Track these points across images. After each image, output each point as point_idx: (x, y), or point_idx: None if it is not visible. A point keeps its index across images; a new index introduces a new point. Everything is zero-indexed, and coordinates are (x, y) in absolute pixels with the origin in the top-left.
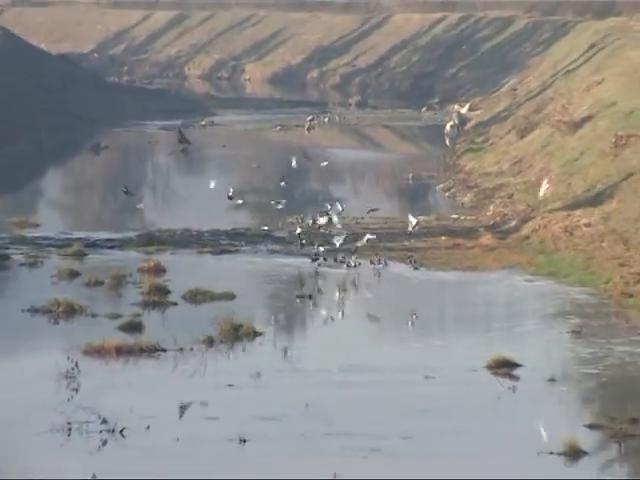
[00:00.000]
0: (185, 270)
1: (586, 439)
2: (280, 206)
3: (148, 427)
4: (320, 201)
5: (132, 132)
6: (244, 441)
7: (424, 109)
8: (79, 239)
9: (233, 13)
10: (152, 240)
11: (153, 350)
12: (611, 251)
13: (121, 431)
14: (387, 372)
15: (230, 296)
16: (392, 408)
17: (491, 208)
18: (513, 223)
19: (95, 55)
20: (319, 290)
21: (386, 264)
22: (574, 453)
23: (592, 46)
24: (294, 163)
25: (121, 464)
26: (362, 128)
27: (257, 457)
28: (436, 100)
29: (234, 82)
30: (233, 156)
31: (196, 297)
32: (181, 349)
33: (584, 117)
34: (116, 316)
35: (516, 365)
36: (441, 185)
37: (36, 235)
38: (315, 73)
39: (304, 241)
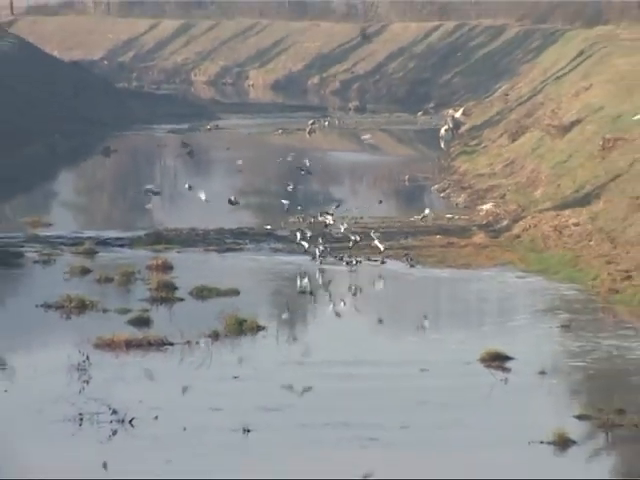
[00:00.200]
0: (191, 267)
1: (575, 429)
2: (286, 206)
3: (156, 417)
4: (321, 201)
5: (141, 136)
6: (248, 431)
7: (420, 113)
8: (90, 238)
9: (237, 22)
10: (160, 239)
11: (161, 344)
12: (599, 249)
13: (130, 421)
14: (385, 365)
15: (235, 292)
16: (389, 400)
17: (484, 208)
18: (505, 222)
19: (105, 62)
20: (320, 286)
21: (384, 262)
22: (563, 442)
23: (580, 53)
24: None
25: (130, 452)
26: (361, 132)
27: (260, 446)
28: (431, 105)
29: (238, 88)
30: (237, 158)
31: (202, 293)
32: (188, 343)
33: (573, 121)
34: (125, 311)
35: (508, 358)
36: (436, 186)
37: (49, 234)
38: (316, 79)
39: (308, 244)
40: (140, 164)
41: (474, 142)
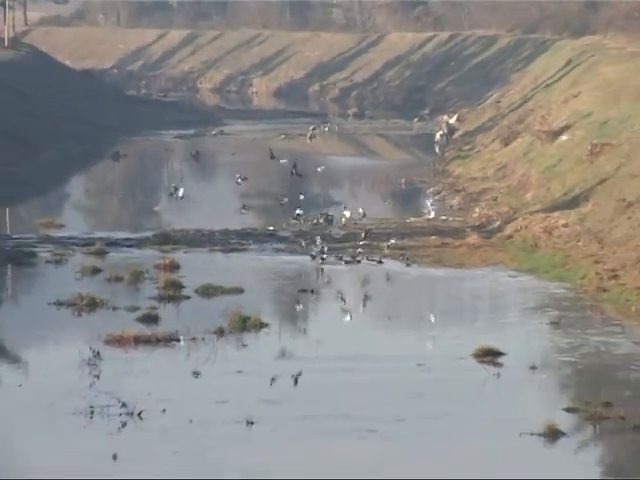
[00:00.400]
0: (198, 267)
1: (564, 421)
2: (299, 211)
3: (164, 410)
4: (321, 203)
5: (149, 141)
6: (251, 423)
7: (416, 120)
8: (101, 238)
9: (241, 33)
10: (167, 239)
11: (168, 340)
12: (587, 249)
13: (139, 414)
14: (382, 360)
15: (239, 291)
16: (387, 393)
17: (477, 210)
18: (497, 224)
19: (115, 71)
20: (320, 285)
21: (381, 262)
22: (553, 434)
23: (569, 62)
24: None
25: (139, 444)
26: (359, 137)
27: (263, 438)
28: (427, 111)
29: (242, 95)
30: (241, 162)
31: (208, 291)
32: (194, 339)
33: (562, 127)
34: (134, 309)
35: (500, 354)
36: (431, 189)
37: (61, 235)
38: (316, 87)
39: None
40: (148, 168)
41: (467, 147)
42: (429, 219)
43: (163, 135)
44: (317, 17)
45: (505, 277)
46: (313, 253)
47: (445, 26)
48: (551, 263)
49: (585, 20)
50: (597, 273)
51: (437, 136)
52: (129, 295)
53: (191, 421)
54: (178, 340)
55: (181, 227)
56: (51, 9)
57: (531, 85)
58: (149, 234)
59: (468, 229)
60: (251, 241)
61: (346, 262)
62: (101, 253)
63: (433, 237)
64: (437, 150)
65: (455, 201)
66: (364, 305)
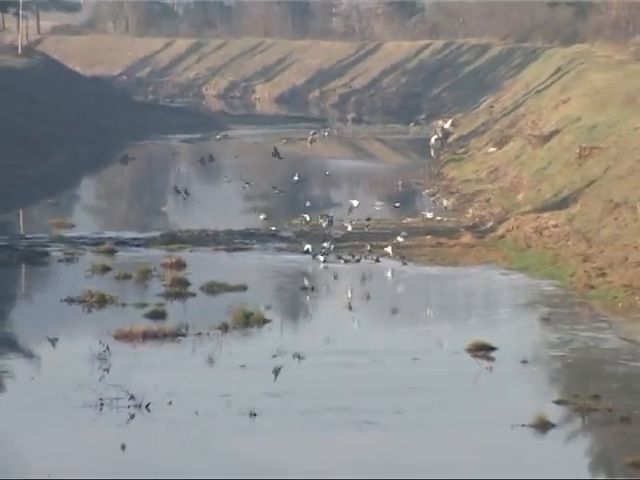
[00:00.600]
0: (203, 265)
1: (554, 413)
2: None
3: (170, 402)
4: (321, 205)
5: (156, 145)
6: (254, 415)
7: (412, 124)
8: (110, 238)
9: (244, 41)
10: (174, 239)
11: (175, 335)
12: (575, 248)
13: (147, 406)
14: (380, 354)
15: (242, 288)
16: (384, 386)
17: (470, 211)
18: (490, 224)
19: (124, 77)
20: (321, 283)
21: (378, 260)
22: (543, 425)
23: (559, 69)
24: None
25: (147, 435)
26: (358, 141)
27: (266, 429)
28: (422, 116)
29: (245, 101)
30: (244, 165)
31: (212, 289)
32: (199, 334)
33: (552, 131)
34: (142, 305)
35: (492, 348)
36: (427, 191)
37: (72, 235)
38: (316, 93)
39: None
40: (155, 171)
41: (461, 150)
42: (425, 219)
43: (170, 139)
44: (317, 26)
45: (497, 275)
46: (313, 252)
47: (440, 35)
48: (541, 262)
49: (574, 29)
50: (585, 271)
51: (432, 140)
52: (137, 292)
53: (197, 413)
54: (184, 335)
55: (187, 227)
56: (63, 18)
57: (522, 91)
58: (156, 234)
59: (462, 229)
60: (254, 241)
61: (345, 261)
62: (110, 252)
63: (428, 237)
64: (432, 153)
65: (449, 202)
66: (362, 302)
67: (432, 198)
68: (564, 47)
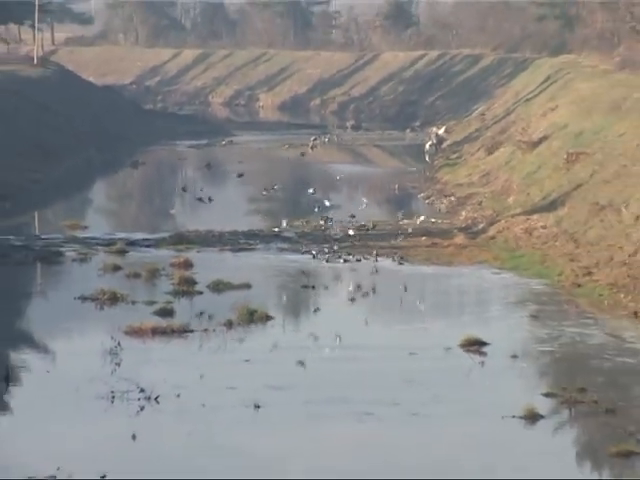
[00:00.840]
0: (209, 265)
1: (543, 405)
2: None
3: (178, 395)
4: (321, 207)
5: (165, 150)
6: (258, 407)
7: (408, 131)
8: (121, 239)
9: (248, 52)
10: (182, 240)
11: (182, 331)
12: (563, 249)
13: (156, 398)
14: (378, 349)
15: (246, 286)
16: (382, 379)
17: (463, 213)
18: (482, 226)
19: (134, 86)
20: (321, 281)
21: (376, 260)
22: (532, 417)
23: (547, 79)
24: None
25: (156, 426)
26: (356, 147)
27: (269, 420)
28: (418, 123)
29: (250, 108)
30: (247, 169)
31: (218, 287)
32: (206, 330)
33: (541, 137)
34: (152, 303)
35: (484, 344)
36: (422, 194)
37: (85, 235)
38: (317, 101)
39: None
40: (164, 175)
41: (455, 156)
42: (421, 221)
43: (177, 145)
44: (318, 37)
45: (489, 274)
46: (313, 252)
47: (435, 46)
48: (531, 261)
49: (562, 41)
50: (573, 270)
51: (427, 146)
52: (147, 290)
53: (203, 405)
54: (191, 331)
55: (194, 228)
56: (76, 30)
57: (513, 99)
58: (165, 235)
59: (455, 230)
60: (258, 241)
61: (345, 260)
62: (121, 252)
63: (423, 238)
64: (427, 159)
65: (443, 205)
66: (360, 299)
67: (427, 201)
68: (552, 57)
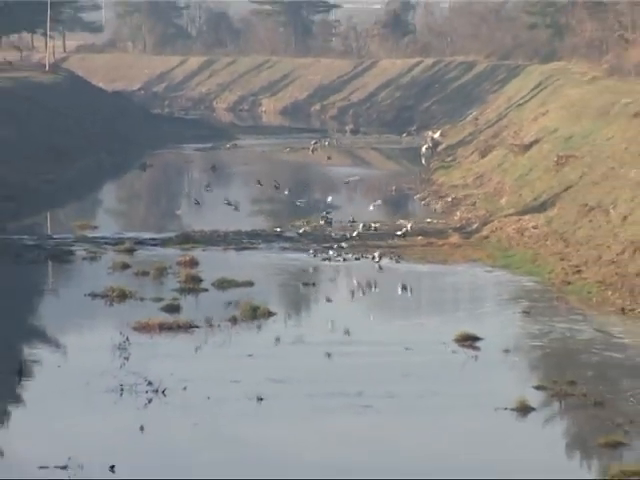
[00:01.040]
0: (214, 263)
1: (534, 398)
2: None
3: (185, 388)
4: (321, 208)
5: (172, 153)
6: (261, 399)
7: (404, 135)
8: (129, 238)
9: (252, 59)
10: (188, 239)
11: (188, 327)
12: (553, 248)
13: (163, 391)
14: (375, 344)
15: (250, 284)
16: (380, 373)
17: (458, 214)
18: (475, 226)
19: (142, 92)
20: (321, 279)
21: (374, 258)
22: (524, 409)
23: (538, 85)
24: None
25: (163, 418)
26: (355, 150)
27: (271, 412)
28: (414, 127)
29: (253, 113)
30: (251, 172)
31: (223, 284)
32: (211, 326)
33: (532, 141)
34: (159, 299)
35: (478, 339)
36: (418, 195)
37: (95, 235)
38: (317, 106)
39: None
40: (171, 177)
41: (450, 158)
42: (415, 222)
43: (184, 148)
44: (318, 45)
45: (482, 272)
46: (313, 252)
47: (430, 53)
48: (522, 260)
49: (552, 48)
50: (563, 269)
51: (423, 149)
52: (154, 288)
53: (209, 398)
54: (197, 327)
55: (200, 228)
56: (87, 38)
57: (505, 105)
58: (172, 234)
59: (450, 230)
60: (260, 240)
61: (344, 259)
62: (130, 251)
63: (419, 237)
64: (423, 161)
65: (439, 206)
66: (359, 296)
67: (423, 202)
68: (543, 64)
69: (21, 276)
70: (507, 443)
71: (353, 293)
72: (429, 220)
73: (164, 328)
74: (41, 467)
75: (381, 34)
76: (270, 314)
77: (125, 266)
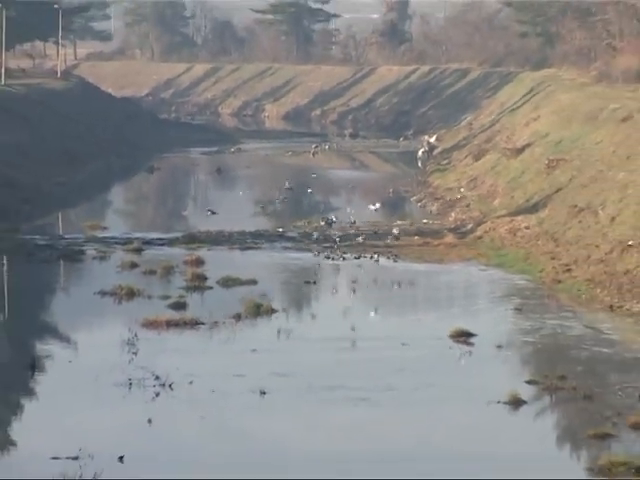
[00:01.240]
0: (219, 262)
1: (525, 391)
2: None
3: (191, 382)
4: (322, 209)
5: (179, 157)
6: (264, 393)
7: (401, 139)
8: (138, 238)
9: (255, 66)
10: (194, 239)
11: (194, 323)
12: (545, 247)
13: (170, 385)
14: (373, 340)
15: (253, 282)
16: (377, 367)
17: (453, 215)
18: (470, 226)
19: (150, 98)
20: (322, 277)
21: (372, 258)
22: (516, 402)
23: (530, 91)
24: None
25: (170, 411)
26: (354, 153)
27: (274, 405)
28: (411, 132)
29: (256, 118)
30: (254, 174)
31: (227, 283)
32: (216, 322)
33: (524, 145)
34: (166, 297)
35: (472, 335)
36: (414, 197)
37: (105, 235)
38: (318, 111)
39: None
40: (178, 179)
41: (445, 162)
42: (412, 222)
43: (190, 152)
44: (319, 53)
45: (476, 271)
46: (314, 252)
47: (426, 60)
48: (515, 259)
49: (543, 56)
50: (553, 267)
51: (419, 153)
52: (161, 286)
53: (214, 391)
54: (202, 323)
55: (205, 229)
56: (96, 46)
57: (498, 110)
58: (178, 235)
59: (445, 231)
60: (263, 240)
61: (344, 258)
62: (138, 251)
63: (416, 237)
64: (419, 164)
65: (434, 207)
66: (358, 294)
67: (419, 204)
68: (534, 71)
69: (34, 275)
70: (499, 435)
71: (353, 291)
72: (425, 221)
73: (171, 325)
74: (53, 458)
75: (379, 42)
76: (272, 311)
77: (133, 265)
